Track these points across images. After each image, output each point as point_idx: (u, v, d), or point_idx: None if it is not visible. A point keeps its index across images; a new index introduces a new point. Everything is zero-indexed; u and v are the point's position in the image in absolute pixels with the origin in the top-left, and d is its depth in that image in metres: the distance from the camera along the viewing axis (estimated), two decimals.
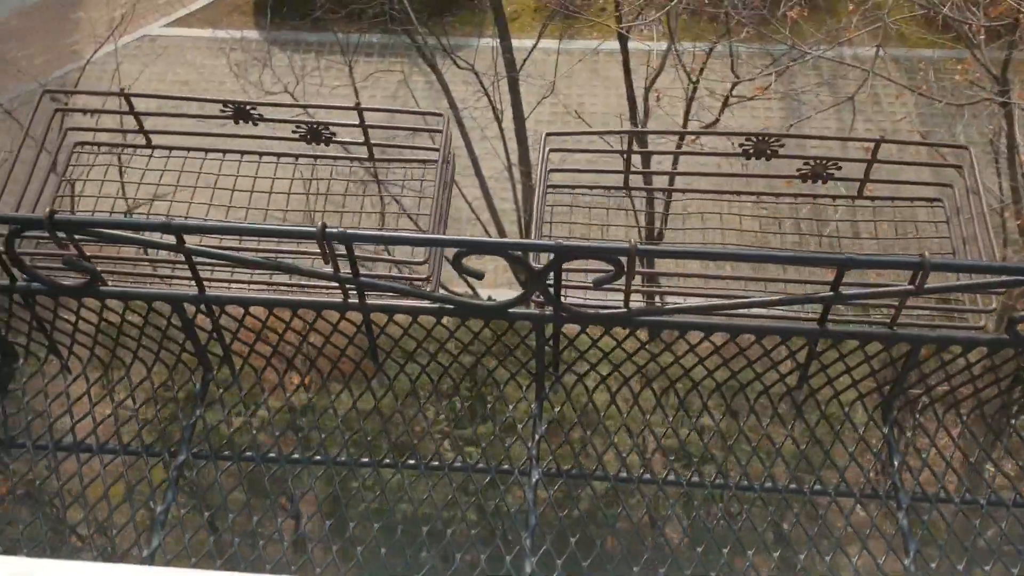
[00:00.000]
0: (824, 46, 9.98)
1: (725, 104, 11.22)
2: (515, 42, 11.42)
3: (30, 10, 15.55)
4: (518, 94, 11.42)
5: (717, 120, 11.42)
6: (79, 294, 2.08)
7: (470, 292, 9.37)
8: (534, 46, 11.86)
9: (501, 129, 11.13)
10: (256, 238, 2.11)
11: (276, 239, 2.10)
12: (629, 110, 11.76)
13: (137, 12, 13.20)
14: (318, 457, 2.16)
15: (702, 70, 11.40)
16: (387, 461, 2.19)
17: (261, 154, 2.33)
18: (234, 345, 2.25)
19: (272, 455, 2.19)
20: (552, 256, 1.87)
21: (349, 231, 1.90)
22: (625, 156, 2.34)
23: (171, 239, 1.93)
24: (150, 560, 2.01)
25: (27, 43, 15.13)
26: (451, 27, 13.81)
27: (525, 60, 11.48)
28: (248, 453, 2.19)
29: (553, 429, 2.21)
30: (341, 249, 1.91)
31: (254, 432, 2.21)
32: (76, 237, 1.96)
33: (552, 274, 1.91)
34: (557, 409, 2.23)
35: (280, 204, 2.27)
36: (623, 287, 1.96)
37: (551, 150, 2.27)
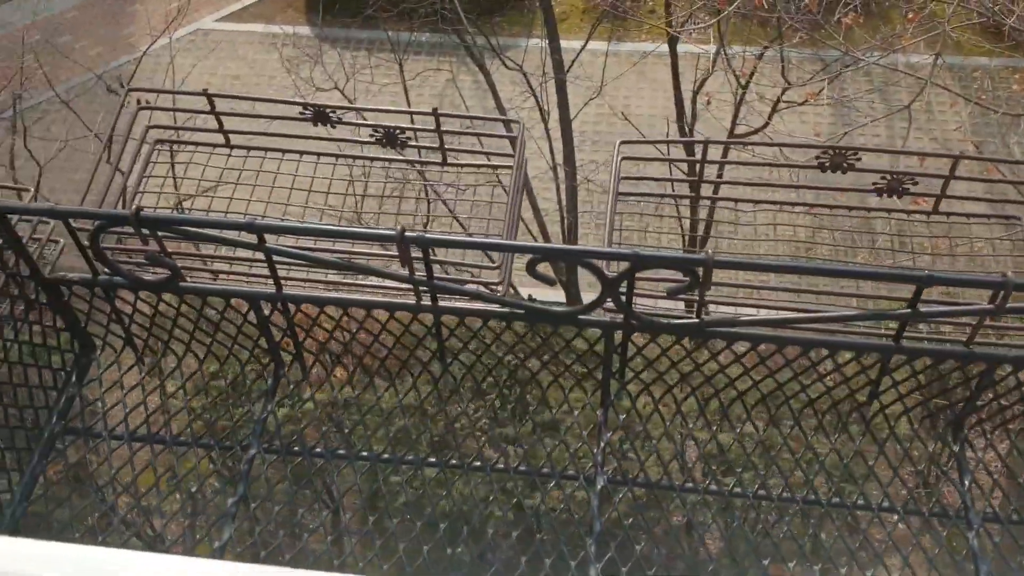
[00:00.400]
0: (878, 53, 9.84)
1: (774, 109, 11.12)
2: (563, 43, 11.42)
3: (87, 3, 15.85)
4: (565, 95, 11.42)
5: (766, 124, 11.32)
6: (160, 289, 2.13)
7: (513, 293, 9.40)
8: (582, 47, 11.85)
9: (547, 130, 11.14)
10: (331, 239, 2.14)
11: (351, 240, 2.13)
12: (676, 113, 11.71)
13: (191, 6, 13.42)
14: (409, 457, 2.19)
15: (752, 74, 11.31)
16: (453, 462, 2.21)
17: (337, 156, 2.36)
18: (304, 342, 2.28)
19: (341, 451, 2.22)
20: (627, 265, 1.88)
21: (427, 235, 1.93)
22: (686, 166, 2.34)
23: (252, 238, 1.97)
24: (220, 553, 2.05)
25: (83, 35, 15.46)
26: (500, 27, 13.84)
27: (573, 62, 11.48)
28: (318, 449, 2.23)
29: (617, 436, 2.21)
30: (416, 252, 1.94)
31: (323, 428, 2.24)
32: (159, 233, 2.01)
33: (625, 282, 1.92)
34: (623, 416, 2.24)
35: (353, 206, 2.30)
36: (695, 297, 1.96)
37: (623, 158, 2.27)
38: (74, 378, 2.30)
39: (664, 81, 14.65)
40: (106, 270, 2.13)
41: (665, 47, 15.99)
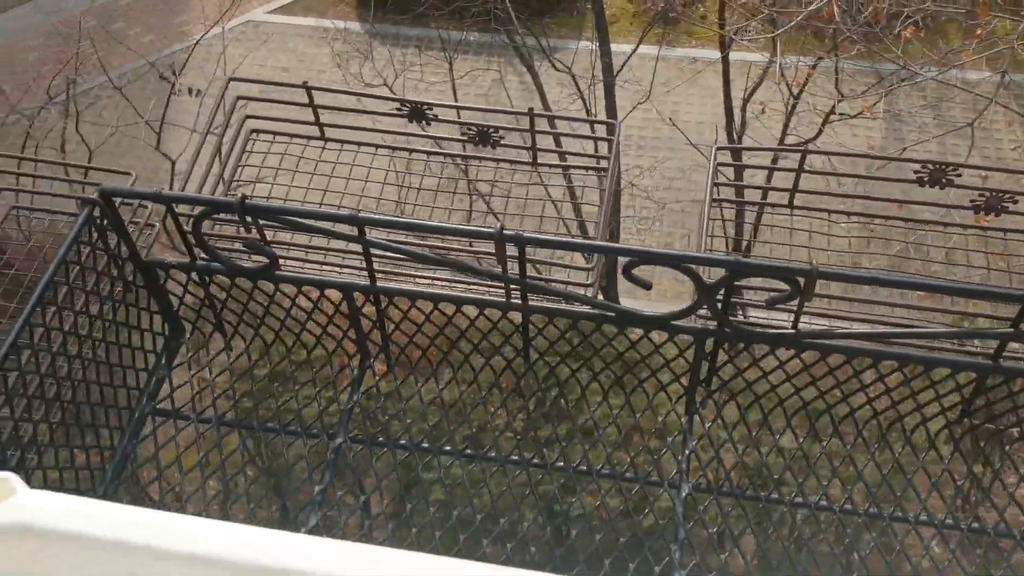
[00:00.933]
0: (936, 68, 9.70)
1: (826, 120, 11.02)
2: (613, 46, 11.39)
3: None
4: (613, 99, 11.39)
5: (818, 135, 11.21)
6: (257, 276, 2.16)
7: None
8: (633, 51, 11.82)
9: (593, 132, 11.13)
10: (426, 234, 2.16)
11: (443, 236, 2.15)
12: (726, 121, 11.64)
13: None
14: (492, 454, 2.20)
15: (805, 84, 11.22)
16: (535, 462, 2.21)
17: (429, 152, 2.38)
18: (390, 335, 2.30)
19: (425, 445, 2.24)
20: (725, 272, 1.88)
21: (524, 234, 1.94)
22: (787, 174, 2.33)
23: (352, 231, 2.00)
24: None
25: (136, 22, 15.69)
26: (549, 28, 13.82)
27: (623, 65, 11.45)
28: (402, 441, 2.24)
29: (703, 444, 2.21)
30: (511, 250, 1.95)
31: (408, 421, 2.26)
32: (260, 222, 2.04)
33: (722, 290, 1.92)
34: (708, 424, 2.23)
35: (445, 203, 2.32)
36: (792, 307, 1.95)
37: (719, 164, 2.27)
38: (163, 360, 2.34)
39: (713, 88, 14.58)
40: (203, 255, 2.17)
41: (714, 53, 15.89)
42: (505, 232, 1.91)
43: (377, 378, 2.35)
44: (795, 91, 11.09)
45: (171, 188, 2.53)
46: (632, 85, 12.05)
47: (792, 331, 1.99)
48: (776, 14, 9.91)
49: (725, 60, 11.36)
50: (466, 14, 11.89)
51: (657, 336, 2.13)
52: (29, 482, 2.00)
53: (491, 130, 2.29)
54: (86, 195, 1.98)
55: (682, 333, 2.06)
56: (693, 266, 1.88)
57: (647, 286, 1.98)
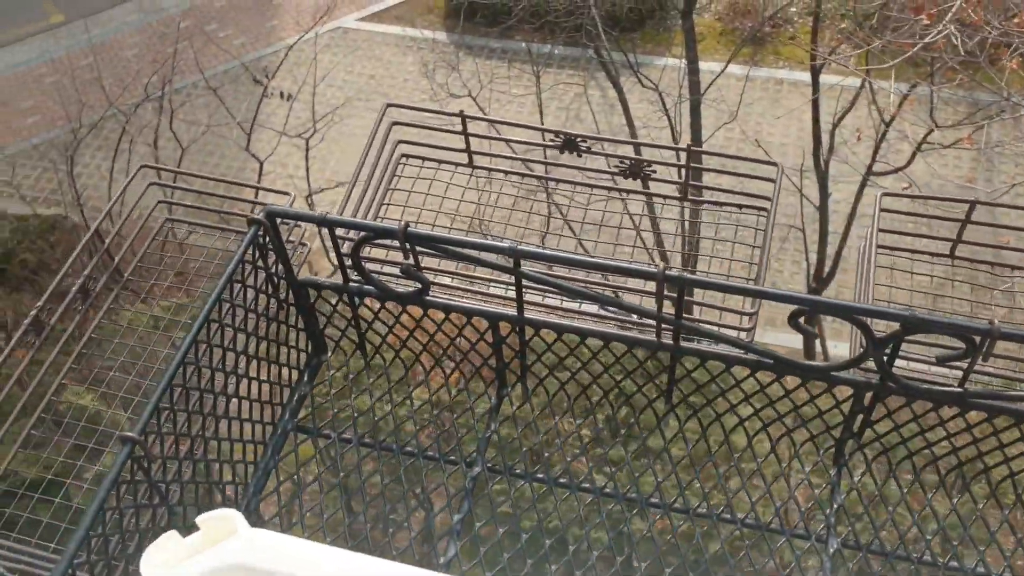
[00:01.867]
0: None
1: (918, 149, 10.75)
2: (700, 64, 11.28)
3: None
4: (699, 117, 11.29)
5: (908, 164, 10.95)
6: (407, 301, 2.17)
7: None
8: (722, 70, 11.70)
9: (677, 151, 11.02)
10: (581, 269, 2.14)
11: (598, 272, 2.13)
12: (813, 145, 11.43)
13: (335, 3, 13.82)
14: (632, 495, 2.17)
15: (898, 110, 10.96)
16: (676, 506, 2.18)
17: (576, 184, 2.37)
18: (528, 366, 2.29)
19: (563, 481, 2.22)
20: (898, 326, 1.82)
21: (687, 276, 1.91)
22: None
23: (508, 262, 1.99)
24: (446, 568, 2.07)
25: (229, 24, 16.10)
26: (636, 44, 13.77)
27: (711, 84, 11.34)
28: (540, 476, 2.23)
29: (853, 500, 2.15)
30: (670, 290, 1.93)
31: (546, 453, 2.25)
32: (418, 249, 2.05)
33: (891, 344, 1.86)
34: (857, 478, 2.17)
35: (590, 234, 2.30)
36: (962, 365, 1.89)
37: (882, 210, 2.21)
38: (306, 377, 2.36)
39: (798, 110, 14.36)
40: (356, 278, 2.19)
41: (800, 75, 15.60)
42: (668, 273, 1.89)
43: (515, 407, 2.34)
44: (886, 117, 10.85)
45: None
46: (717, 104, 11.93)
47: (959, 390, 1.93)
48: (873, 39, 9.69)
49: (815, 82, 11.16)
50: (556, 28, 11.92)
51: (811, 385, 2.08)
52: (182, 494, 2.05)
53: (644, 164, 2.27)
54: (253, 215, 2.02)
55: (843, 384, 2.00)
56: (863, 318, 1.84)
57: (814, 336, 1.94)
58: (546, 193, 2.37)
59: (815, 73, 11.12)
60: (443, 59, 12.68)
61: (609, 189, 2.37)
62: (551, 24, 11.94)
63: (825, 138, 11.26)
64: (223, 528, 1.24)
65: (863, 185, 11.40)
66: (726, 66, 11.18)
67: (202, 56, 13.15)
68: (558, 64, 14.51)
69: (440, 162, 2.52)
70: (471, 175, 2.49)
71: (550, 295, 2.27)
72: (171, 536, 1.46)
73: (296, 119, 12.20)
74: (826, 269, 10.82)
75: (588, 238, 2.33)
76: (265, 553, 1.19)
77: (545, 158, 2.37)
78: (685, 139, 11.25)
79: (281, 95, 11.62)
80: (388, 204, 2.49)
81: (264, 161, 11.47)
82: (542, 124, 10.99)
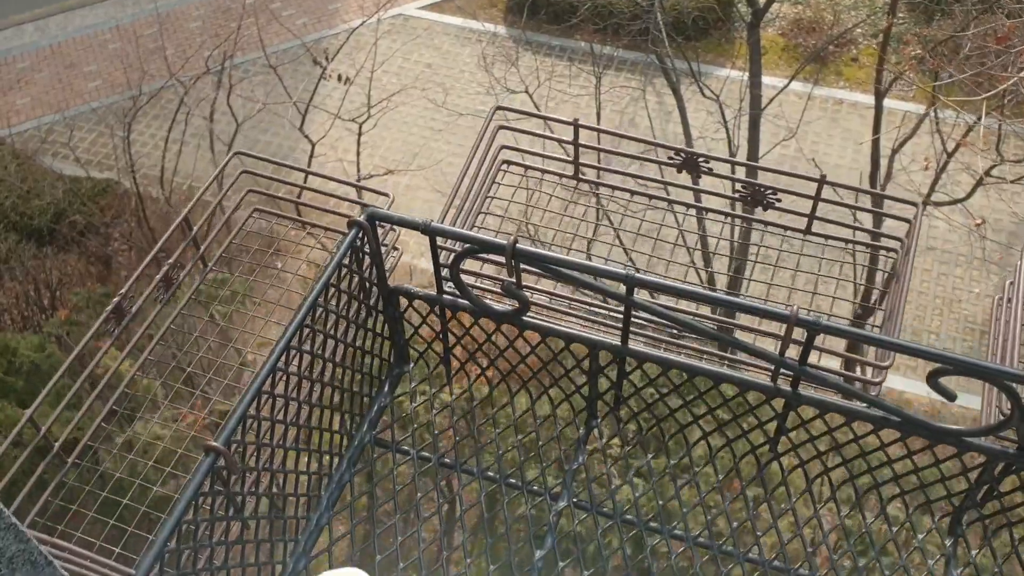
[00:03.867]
0: None
1: (980, 182, 10.45)
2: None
3: None
4: (758, 132, 11.05)
5: (969, 196, 10.65)
6: (505, 320, 2.04)
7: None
8: (785, 86, 11.45)
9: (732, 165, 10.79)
10: (699, 303, 2.00)
11: (728, 310, 1.98)
12: (871, 169, 11.15)
13: None
14: (731, 548, 2.02)
15: (964, 139, 10.65)
16: (777, 564, 2.03)
17: (689, 205, 2.22)
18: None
19: (654, 524, 2.08)
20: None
21: (821, 322, 1.76)
22: None
23: (620, 288, 1.86)
24: None
25: (291, 3, 16.07)
26: (698, 52, 13.55)
27: (772, 99, 11.10)
28: (629, 517, 2.09)
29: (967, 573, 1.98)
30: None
31: (636, 494, 2.10)
32: (521, 266, 1.92)
33: None
34: (975, 553, 2.00)
35: (701, 263, 2.14)
36: None
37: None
38: (387, 388, 2.24)
39: (856, 131, 14.07)
40: (451, 289, 2.06)
41: (860, 96, 15.26)
42: (801, 317, 1.74)
43: (603, 441, 2.20)
44: (949, 147, 10.55)
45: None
46: (776, 120, 11.69)
47: None
48: (945, 66, 9.42)
49: (879, 106, 10.89)
50: (621, 31, 11.74)
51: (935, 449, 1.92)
52: (257, 508, 1.93)
53: (767, 191, 2.12)
54: (355, 217, 1.89)
55: (977, 451, 1.84)
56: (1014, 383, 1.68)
57: (952, 397, 1.78)
58: (661, 213, 2.21)
59: (879, 96, 10.84)
60: (502, 53, 12.53)
61: (726, 214, 2.22)
62: (615, 26, 11.75)
63: (883, 162, 10.99)
64: None
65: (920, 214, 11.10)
66: (789, 82, 10.93)
67: (264, 33, 13.12)
68: (616, 66, 14.30)
69: (544, 171, 2.38)
70: (575, 188, 2.35)
71: (655, 326, 2.13)
72: None
73: (351, 103, 12.13)
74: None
75: (699, 266, 2.17)
76: None
77: (662, 175, 2.23)
78: (741, 153, 11.03)
79: (339, 78, 11.55)
80: (486, 213, 2.36)
81: (316, 143, 11.42)
82: (598, 125, 10.80)
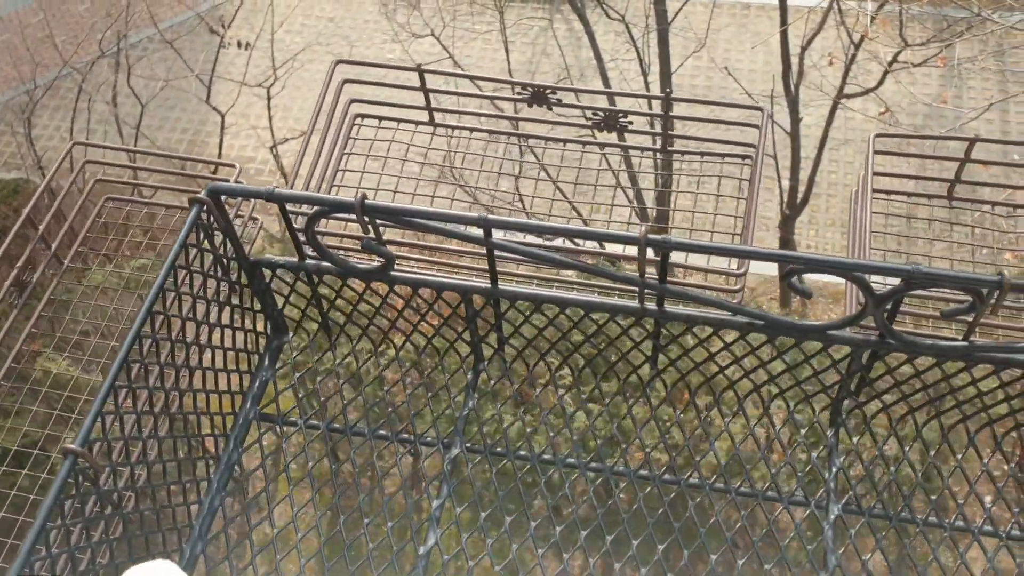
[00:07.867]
0: (1019, 13, 9.20)
1: (888, 70, 10.56)
2: None
3: None
4: (667, 48, 10.99)
5: (879, 85, 10.78)
6: (371, 278, 2.01)
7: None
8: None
9: (647, 83, 10.75)
10: (557, 237, 1.98)
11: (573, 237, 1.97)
12: (783, 70, 11.20)
13: None
14: (621, 469, 2.05)
15: (867, 30, 10.72)
16: (666, 477, 2.06)
17: (547, 139, 2.19)
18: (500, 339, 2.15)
19: (547, 456, 2.10)
20: (900, 282, 1.69)
21: (671, 240, 1.76)
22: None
23: (479, 232, 1.84)
24: (425, 559, 1.96)
25: None
26: None
27: (678, 12, 11.03)
28: (522, 452, 2.10)
29: (849, 461, 2.04)
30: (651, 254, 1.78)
31: (528, 430, 2.12)
32: (378, 222, 1.88)
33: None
34: (856, 439, 2.06)
35: (566, 194, 2.13)
36: (968, 318, 1.77)
37: (876, 152, 2.05)
38: (267, 362, 2.21)
39: (766, 34, 14.08)
40: (312, 254, 2.02)
41: None
42: (651, 237, 1.74)
43: (492, 383, 2.20)
44: (855, 37, 10.63)
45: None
46: (684, 33, 11.64)
47: (964, 343, 1.81)
48: None
49: (783, 5, 10.88)
50: None
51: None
52: (137, 501, 1.90)
53: (619, 115, 2.10)
54: (195, 193, 1.83)
55: (840, 343, 1.88)
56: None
57: (808, 295, 1.81)
58: (519, 149, 2.18)
59: None
60: None
61: (582, 143, 2.20)
62: None
63: (794, 62, 11.04)
64: None
65: (834, 108, 11.25)
66: None
67: (156, 8, 12.61)
68: None
69: (399, 121, 2.32)
70: (433, 133, 2.30)
71: (525, 263, 2.11)
72: None
73: (256, 68, 11.79)
74: (799, 195, 10.72)
75: (560, 198, 2.16)
76: None
77: (515, 111, 2.19)
78: (654, 70, 10.99)
79: (239, 44, 11.19)
80: (344, 170, 2.30)
81: (226, 113, 11.09)
82: (508, 61, 10.67)
